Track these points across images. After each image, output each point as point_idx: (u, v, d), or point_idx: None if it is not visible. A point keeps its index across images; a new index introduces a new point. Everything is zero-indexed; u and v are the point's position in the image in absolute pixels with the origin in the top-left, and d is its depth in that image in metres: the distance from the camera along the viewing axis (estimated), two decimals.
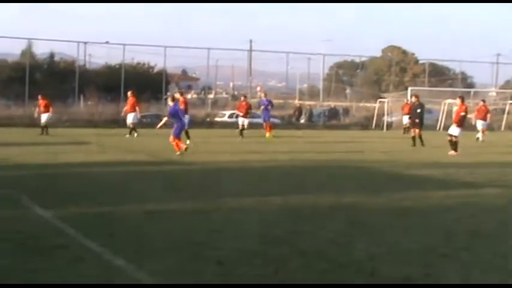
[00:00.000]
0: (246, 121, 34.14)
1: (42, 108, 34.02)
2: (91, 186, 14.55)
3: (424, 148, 27.92)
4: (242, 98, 36.98)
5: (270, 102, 36.84)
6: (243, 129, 33.62)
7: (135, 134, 31.79)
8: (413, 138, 28.98)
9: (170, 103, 24.42)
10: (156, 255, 8.01)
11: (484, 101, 39.93)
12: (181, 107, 25.51)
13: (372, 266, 7.71)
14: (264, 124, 35.67)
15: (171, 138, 22.73)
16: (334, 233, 9.56)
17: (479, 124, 35.68)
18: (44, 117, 33.63)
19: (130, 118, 32.97)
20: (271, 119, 37.41)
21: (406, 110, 38.15)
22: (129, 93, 34.18)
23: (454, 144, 25.33)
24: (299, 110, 55.75)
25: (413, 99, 31.53)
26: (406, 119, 37.87)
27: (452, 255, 8.26)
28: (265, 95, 39.29)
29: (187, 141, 25.61)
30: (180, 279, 7.02)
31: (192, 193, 13.60)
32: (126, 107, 33.96)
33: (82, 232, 9.24)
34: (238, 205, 11.93)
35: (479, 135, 35.15)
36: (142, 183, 15.34)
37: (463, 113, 26.27)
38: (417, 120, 29.51)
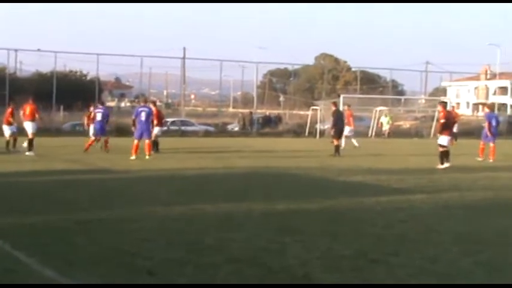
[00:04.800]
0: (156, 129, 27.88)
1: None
2: (20, 196, 14.32)
3: (357, 155, 28.25)
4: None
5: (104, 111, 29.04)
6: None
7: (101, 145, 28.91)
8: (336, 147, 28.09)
9: None
10: (86, 266, 7.92)
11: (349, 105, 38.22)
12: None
13: (304, 271, 7.76)
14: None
15: None
16: (267, 240, 9.59)
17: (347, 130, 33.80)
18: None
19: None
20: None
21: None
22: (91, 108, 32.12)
23: (443, 155, 22.81)
24: (247, 117, 55.74)
25: (333, 107, 30.46)
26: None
27: (381, 260, 8.38)
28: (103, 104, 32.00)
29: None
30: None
31: (123, 202, 13.49)
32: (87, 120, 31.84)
33: (9, 243, 9.08)
34: (169, 213, 11.87)
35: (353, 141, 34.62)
36: (73, 192, 15.14)
37: (443, 120, 23.64)
38: (333, 129, 28.85)
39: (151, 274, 7.55)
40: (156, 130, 27.16)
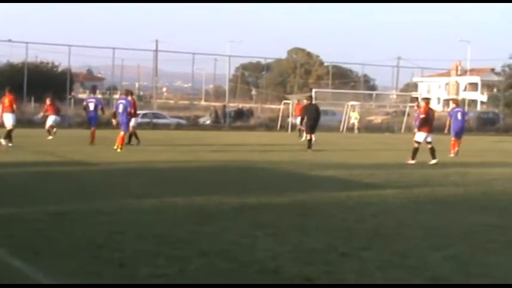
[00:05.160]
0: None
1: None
2: None
3: (329, 150, 28.35)
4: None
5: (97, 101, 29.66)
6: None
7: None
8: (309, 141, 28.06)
9: None
10: (56, 257, 7.89)
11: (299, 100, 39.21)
12: None
13: (274, 265, 7.80)
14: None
15: None
16: (237, 233, 9.61)
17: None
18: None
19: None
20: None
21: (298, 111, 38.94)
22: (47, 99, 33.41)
23: (415, 151, 22.89)
24: (220, 111, 55.65)
25: (305, 101, 30.72)
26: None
27: (352, 254, 8.44)
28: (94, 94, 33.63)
29: None
30: (80, 281, 6.94)
31: (95, 194, 13.44)
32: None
33: None
34: (141, 206, 11.86)
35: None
36: (45, 185, 15.06)
37: (422, 115, 23.48)
38: (305, 123, 29.17)
39: (122, 265, 7.54)
40: (132, 121, 26.96)
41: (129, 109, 25.46)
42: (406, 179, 17.75)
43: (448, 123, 27.84)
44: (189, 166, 20.27)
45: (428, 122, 23.36)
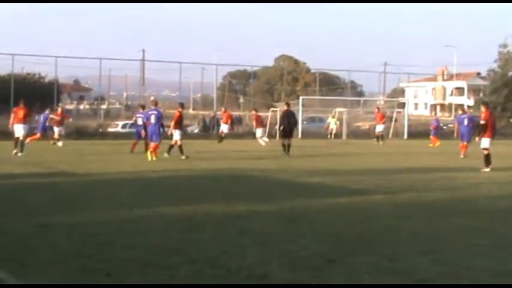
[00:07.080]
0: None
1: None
2: None
3: (316, 156, 28.40)
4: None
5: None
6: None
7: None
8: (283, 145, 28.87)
9: None
10: (42, 268, 7.91)
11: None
12: None
13: (263, 271, 7.85)
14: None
15: None
16: (226, 241, 9.65)
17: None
18: None
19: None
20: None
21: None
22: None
23: (488, 158, 22.54)
24: (211, 119, 55.63)
25: (285, 107, 31.16)
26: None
27: (339, 260, 8.49)
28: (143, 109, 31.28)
29: None
30: None
31: (84, 205, 13.43)
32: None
33: None
34: (130, 216, 11.88)
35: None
36: (32, 196, 15.02)
37: (483, 122, 22.88)
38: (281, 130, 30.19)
39: (109, 275, 7.57)
40: (177, 134, 27.53)
41: (161, 120, 26.02)
42: (394, 184, 17.82)
43: (456, 128, 30.11)
44: (178, 175, 20.26)
45: (490, 127, 22.85)
